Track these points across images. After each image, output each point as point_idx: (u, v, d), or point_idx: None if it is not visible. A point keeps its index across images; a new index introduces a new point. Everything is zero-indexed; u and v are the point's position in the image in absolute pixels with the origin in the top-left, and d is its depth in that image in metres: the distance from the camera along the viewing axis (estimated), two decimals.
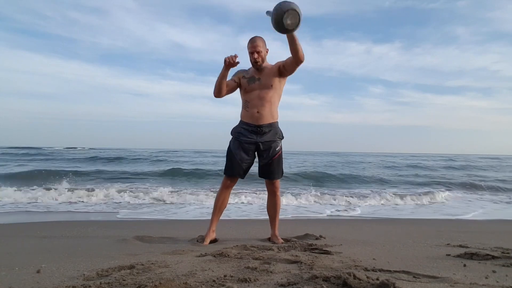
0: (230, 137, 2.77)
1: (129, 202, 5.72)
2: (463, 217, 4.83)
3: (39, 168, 11.20)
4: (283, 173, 2.81)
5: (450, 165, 20.41)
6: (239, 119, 2.76)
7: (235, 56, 2.48)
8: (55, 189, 6.37)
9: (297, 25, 2.19)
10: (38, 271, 1.79)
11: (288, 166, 14.56)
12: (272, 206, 2.82)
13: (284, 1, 2.15)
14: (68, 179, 7.74)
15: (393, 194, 7.04)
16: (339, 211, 5.29)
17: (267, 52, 2.67)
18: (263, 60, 2.63)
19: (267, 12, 2.29)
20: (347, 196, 6.65)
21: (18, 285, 1.60)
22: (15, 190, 6.06)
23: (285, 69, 2.63)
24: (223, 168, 2.75)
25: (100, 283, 1.53)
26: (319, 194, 6.66)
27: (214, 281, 1.56)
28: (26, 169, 11.57)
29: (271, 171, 2.72)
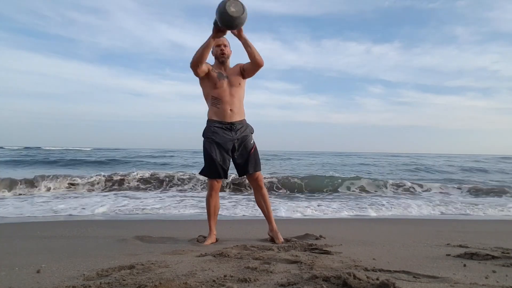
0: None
1: None
2: (463, 217, 4.83)
3: None
4: (260, 166, 2.80)
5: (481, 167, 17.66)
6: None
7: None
8: None
9: (242, 11, 2.23)
10: (38, 271, 1.80)
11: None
12: (262, 200, 2.81)
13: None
14: None
15: None
16: None
17: (231, 52, 2.74)
18: (228, 56, 2.70)
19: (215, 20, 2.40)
20: None
21: (18, 285, 1.60)
22: None
23: (245, 72, 2.71)
24: (201, 171, 2.71)
25: (100, 283, 1.53)
26: None
27: (214, 281, 1.56)
28: None
29: (250, 165, 2.72)
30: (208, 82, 2.68)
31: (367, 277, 1.51)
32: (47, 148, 37.15)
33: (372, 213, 4.96)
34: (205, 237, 2.73)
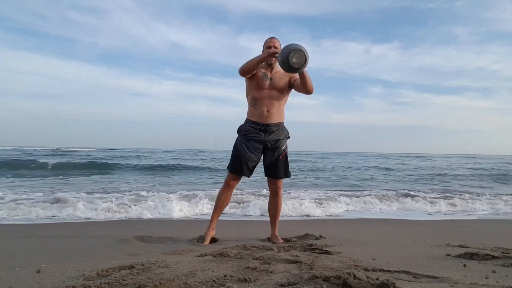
0: (236, 135, 2.74)
1: None
2: (463, 217, 4.83)
3: None
4: (290, 174, 2.78)
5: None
6: (242, 119, 2.75)
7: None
8: None
9: (303, 63, 2.29)
10: (38, 271, 1.80)
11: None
12: (274, 206, 2.81)
13: (291, 44, 2.27)
14: None
15: None
16: None
17: None
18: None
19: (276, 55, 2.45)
20: None
21: (18, 285, 1.60)
22: None
23: (294, 86, 2.68)
24: (228, 166, 2.72)
25: (100, 283, 1.53)
26: None
27: (214, 281, 1.56)
28: None
29: (277, 170, 2.71)
30: (251, 80, 2.66)
31: (367, 277, 1.51)
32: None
33: None
34: (204, 237, 2.72)
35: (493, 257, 2.07)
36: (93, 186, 7.70)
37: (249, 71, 2.57)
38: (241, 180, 2.73)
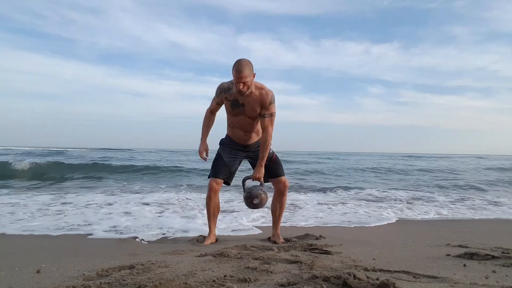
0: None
1: None
2: (463, 217, 4.83)
3: None
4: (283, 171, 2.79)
5: None
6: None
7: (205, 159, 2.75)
8: None
9: (261, 205, 2.64)
10: (38, 271, 1.80)
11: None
12: (278, 206, 2.80)
13: (254, 188, 2.63)
14: None
15: None
16: None
17: (254, 77, 2.44)
18: (248, 88, 2.43)
19: (243, 181, 2.73)
20: None
21: (18, 285, 1.60)
22: None
23: (260, 118, 2.58)
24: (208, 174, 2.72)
25: (100, 283, 1.53)
26: None
27: (214, 281, 1.56)
28: None
29: (275, 170, 2.72)
30: (225, 106, 2.65)
31: (367, 277, 1.51)
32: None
33: None
34: (204, 237, 2.73)
35: (493, 257, 2.07)
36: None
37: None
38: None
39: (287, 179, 2.77)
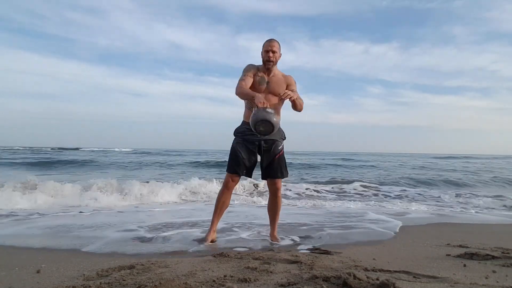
0: (233, 137, 2.74)
1: None
2: (463, 217, 4.82)
3: None
4: (287, 174, 2.78)
5: None
6: (241, 119, 2.75)
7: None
8: None
9: (271, 132, 2.38)
10: (38, 271, 1.80)
11: None
12: (273, 206, 2.81)
13: (261, 111, 2.32)
14: None
15: None
16: None
17: (280, 56, 2.67)
18: (276, 62, 2.64)
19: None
20: None
21: (18, 285, 1.60)
22: None
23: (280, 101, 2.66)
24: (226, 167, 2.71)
25: (100, 283, 1.53)
26: None
27: (214, 281, 1.56)
28: None
29: (273, 170, 2.71)
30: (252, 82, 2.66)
31: (367, 277, 1.51)
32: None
33: None
34: (205, 237, 2.72)
35: (493, 257, 2.07)
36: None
37: (245, 99, 2.66)
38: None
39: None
